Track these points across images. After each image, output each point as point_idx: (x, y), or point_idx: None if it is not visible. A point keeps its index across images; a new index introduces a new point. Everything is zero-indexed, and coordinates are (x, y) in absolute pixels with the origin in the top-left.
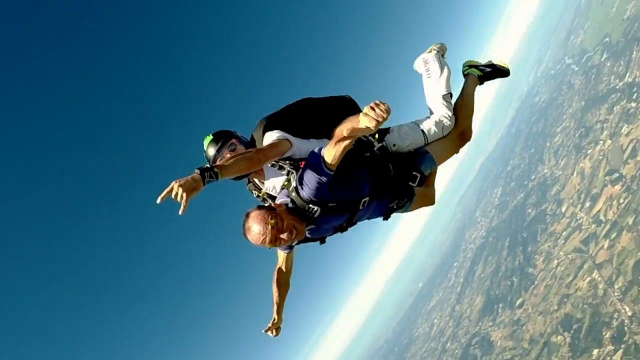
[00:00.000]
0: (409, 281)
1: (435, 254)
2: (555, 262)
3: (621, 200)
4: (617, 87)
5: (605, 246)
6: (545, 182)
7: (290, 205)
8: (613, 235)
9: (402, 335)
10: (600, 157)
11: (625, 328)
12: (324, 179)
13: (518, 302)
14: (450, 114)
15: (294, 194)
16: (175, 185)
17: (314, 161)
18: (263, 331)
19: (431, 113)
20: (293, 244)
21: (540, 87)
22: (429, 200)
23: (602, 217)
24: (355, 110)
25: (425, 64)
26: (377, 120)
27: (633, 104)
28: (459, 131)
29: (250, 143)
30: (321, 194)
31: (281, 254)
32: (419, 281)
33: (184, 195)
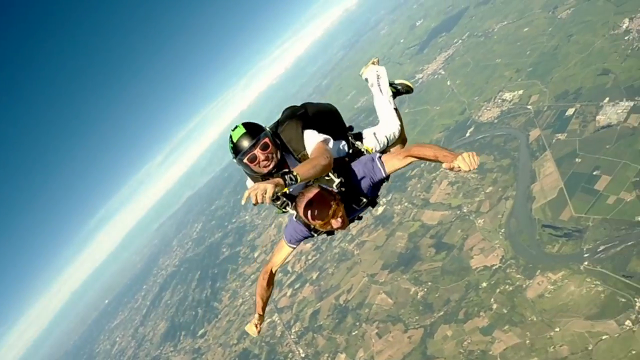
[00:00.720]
0: (95, 296)
1: (126, 273)
2: (241, 300)
3: (310, 257)
4: None
5: (289, 294)
6: (245, 227)
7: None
8: (297, 286)
9: (82, 349)
10: None
11: None
12: (375, 180)
13: (200, 332)
14: (400, 123)
15: (342, 188)
16: (256, 184)
17: (373, 164)
18: (245, 328)
19: (382, 121)
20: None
21: None
22: None
23: (289, 268)
24: (338, 119)
25: (378, 78)
26: (470, 169)
27: None
28: (401, 139)
29: (276, 140)
30: (366, 190)
31: (286, 250)
32: (105, 298)
33: (268, 187)
